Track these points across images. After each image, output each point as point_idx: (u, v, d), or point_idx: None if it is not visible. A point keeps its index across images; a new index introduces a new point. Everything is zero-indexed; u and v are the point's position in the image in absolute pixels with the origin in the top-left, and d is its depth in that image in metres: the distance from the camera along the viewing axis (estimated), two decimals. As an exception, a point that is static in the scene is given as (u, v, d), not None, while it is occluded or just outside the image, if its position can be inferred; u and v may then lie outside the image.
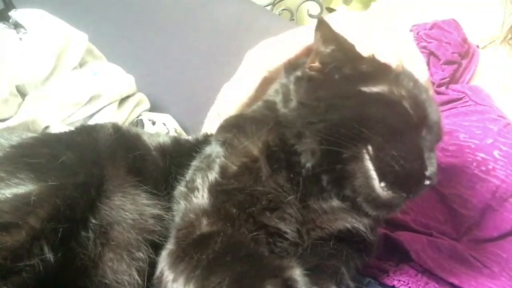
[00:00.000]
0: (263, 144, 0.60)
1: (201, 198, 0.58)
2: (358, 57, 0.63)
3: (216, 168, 0.60)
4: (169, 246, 0.55)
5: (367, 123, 0.56)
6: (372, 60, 0.63)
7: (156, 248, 0.59)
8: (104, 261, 0.57)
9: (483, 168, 0.79)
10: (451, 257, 0.75)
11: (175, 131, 1.34)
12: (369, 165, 0.55)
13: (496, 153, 0.79)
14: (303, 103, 0.61)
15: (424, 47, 0.94)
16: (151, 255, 0.58)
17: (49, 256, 0.51)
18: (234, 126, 0.65)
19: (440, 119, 0.62)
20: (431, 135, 0.59)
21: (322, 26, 0.63)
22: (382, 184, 0.55)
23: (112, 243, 0.58)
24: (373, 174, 0.55)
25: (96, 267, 0.57)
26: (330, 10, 2.28)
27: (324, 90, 0.61)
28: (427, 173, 0.55)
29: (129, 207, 0.60)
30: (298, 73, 0.65)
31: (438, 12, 1.13)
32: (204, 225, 0.55)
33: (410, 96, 0.59)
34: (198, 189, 0.59)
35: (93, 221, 0.57)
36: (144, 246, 0.59)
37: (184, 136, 1.27)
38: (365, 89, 0.59)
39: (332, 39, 0.63)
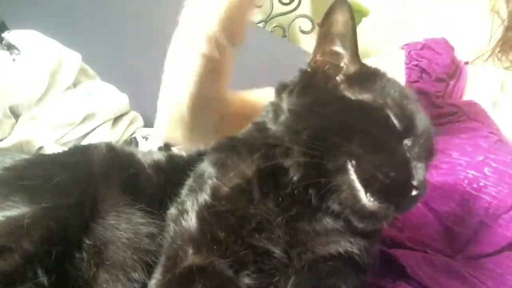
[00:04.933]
0: (256, 167, 0.59)
1: (190, 221, 0.58)
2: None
3: (208, 189, 0.59)
4: (157, 275, 0.55)
5: (349, 132, 0.55)
6: (361, 65, 0.63)
7: (150, 269, 0.58)
8: (99, 282, 0.57)
9: (475, 186, 0.79)
10: (446, 273, 0.75)
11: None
12: (353, 176, 0.54)
13: (486, 170, 0.79)
14: (291, 110, 0.61)
15: (416, 65, 0.96)
16: (146, 277, 0.58)
17: (43, 279, 0.51)
18: (226, 148, 0.64)
19: (430, 129, 0.61)
20: (419, 144, 0.58)
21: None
22: (368, 195, 0.54)
23: (107, 263, 0.57)
24: (358, 185, 0.54)
25: None
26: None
27: (311, 93, 0.61)
28: (414, 182, 0.54)
29: (123, 226, 0.60)
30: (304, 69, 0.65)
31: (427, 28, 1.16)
32: (190, 255, 0.55)
33: (395, 105, 0.58)
34: (187, 212, 0.59)
35: (87, 241, 0.57)
36: (140, 267, 0.58)
37: (175, 148, 1.27)
38: (349, 95, 0.59)
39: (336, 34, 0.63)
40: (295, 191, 0.57)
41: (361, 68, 0.63)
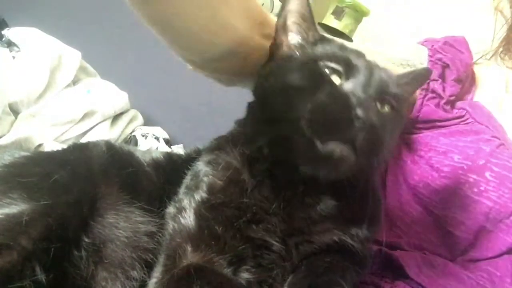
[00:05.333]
0: (241, 156, 0.62)
1: (188, 218, 0.59)
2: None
3: (204, 186, 0.61)
4: (157, 274, 0.56)
5: (291, 89, 0.58)
6: (321, 36, 0.66)
7: (150, 267, 0.58)
8: (97, 280, 0.57)
9: (475, 190, 0.78)
10: (445, 274, 0.75)
11: (166, 142, 1.34)
12: (305, 126, 0.54)
13: (487, 174, 0.78)
14: (254, 91, 0.65)
15: (440, 59, 0.91)
16: (145, 275, 0.58)
17: (41, 277, 0.51)
18: (216, 148, 0.66)
19: (375, 71, 0.62)
20: (362, 82, 0.59)
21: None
22: (320, 141, 0.54)
23: (106, 261, 0.57)
24: (312, 137, 0.54)
25: (89, 287, 0.56)
26: (323, 25, 2.31)
27: (266, 69, 0.65)
28: (357, 112, 0.53)
29: (122, 225, 0.60)
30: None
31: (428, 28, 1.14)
32: (189, 253, 0.56)
33: (330, 55, 0.61)
34: (185, 209, 0.60)
35: (86, 239, 0.57)
36: (139, 265, 0.58)
37: (175, 147, 1.28)
38: (295, 63, 0.62)
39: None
40: (280, 171, 0.59)
41: (320, 37, 0.66)
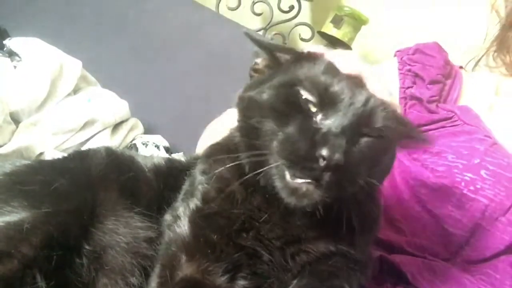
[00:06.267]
0: (232, 168, 0.60)
1: (183, 227, 0.59)
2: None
3: (199, 195, 0.61)
4: (153, 284, 0.56)
5: (268, 111, 0.56)
6: (295, 53, 0.64)
7: (148, 274, 0.59)
8: (98, 287, 0.57)
9: (472, 188, 0.79)
10: (446, 279, 0.75)
11: (166, 150, 1.34)
12: (276, 156, 0.53)
13: (483, 172, 0.80)
14: (236, 106, 0.64)
15: (409, 70, 0.97)
16: (143, 282, 0.58)
17: (42, 284, 0.51)
18: (210, 156, 0.66)
19: (367, 100, 0.57)
20: (340, 115, 0.54)
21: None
22: (288, 174, 0.53)
23: (106, 267, 0.58)
24: (281, 164, 0.53)
25: None
26: (322, 34, 2.32)
27: (248, 89, 0.63)
28: (321, 152, 0.50)
29: (122, 231, 0.60)
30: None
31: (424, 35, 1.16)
32: (183, 263, 0.56)
33: (306, 79, 0.57)
34: (180, 218, 0.60)
35: (87, 247, 0.57)
36: (138, 271, 0.59)
37: (175, 155, 1.28)
38: (275, 82, 0.60)
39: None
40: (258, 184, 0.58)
41: (294, 56, 0.64)
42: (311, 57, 0.62)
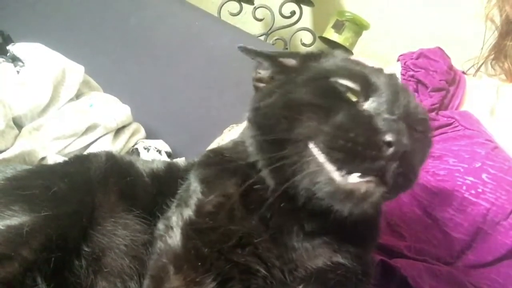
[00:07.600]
0: (237, 186, 0.57)
1: (174, 238, 0.56)
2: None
3: (192, 205, 0.58)
4: None
5: (297, 113, 0.49)
6: (301, 56, 0.62)
7: (143, 280, 0.58)
8: None
9: (473, 192, 0.79)
10: (448, 283, 0.75)
11: (168, 155, 1.35)
12: (319, 155, 0.47)
13: (484, 176, 0.80)
14: (249, 119, 0.59)
15: (412, 76, 0.96)
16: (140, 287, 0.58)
17: (42, 286, 0.51)
18: (212, 164, 0.63)
19: (398, 86, 0.54)
20: (386, 101, 0.51)
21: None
22: (339, 171, 0.45)
23: (105, 270, 0.58)
24: (326, 163, 0.46)
25: None
26: (323, 39, 2.33)
27: (259, 96, 0.59)
28: (386, 137, 0.44)
29: (121, 232, 0.61)
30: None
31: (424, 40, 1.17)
32: (171, 275, 0.53)
33: (341, 70, 0.54)
34: (172, 228, 0.57)
35: (86, 249, 0.58)
36: (136, 276, 0.59)
37: (177, 160, 1.28)
38: (299, 80, 0.55)
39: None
40: (279, 200, 0.54)
41: (301, 58, 0.61)
42: (323, 54, 0.60)
